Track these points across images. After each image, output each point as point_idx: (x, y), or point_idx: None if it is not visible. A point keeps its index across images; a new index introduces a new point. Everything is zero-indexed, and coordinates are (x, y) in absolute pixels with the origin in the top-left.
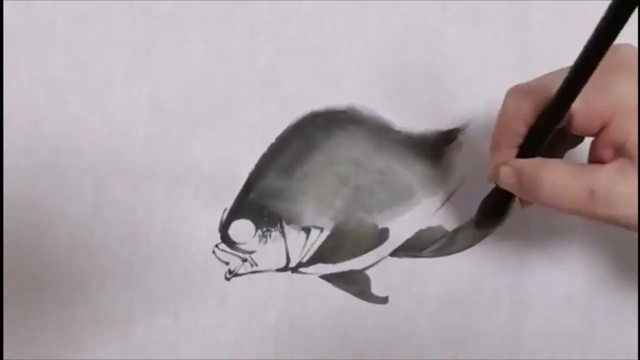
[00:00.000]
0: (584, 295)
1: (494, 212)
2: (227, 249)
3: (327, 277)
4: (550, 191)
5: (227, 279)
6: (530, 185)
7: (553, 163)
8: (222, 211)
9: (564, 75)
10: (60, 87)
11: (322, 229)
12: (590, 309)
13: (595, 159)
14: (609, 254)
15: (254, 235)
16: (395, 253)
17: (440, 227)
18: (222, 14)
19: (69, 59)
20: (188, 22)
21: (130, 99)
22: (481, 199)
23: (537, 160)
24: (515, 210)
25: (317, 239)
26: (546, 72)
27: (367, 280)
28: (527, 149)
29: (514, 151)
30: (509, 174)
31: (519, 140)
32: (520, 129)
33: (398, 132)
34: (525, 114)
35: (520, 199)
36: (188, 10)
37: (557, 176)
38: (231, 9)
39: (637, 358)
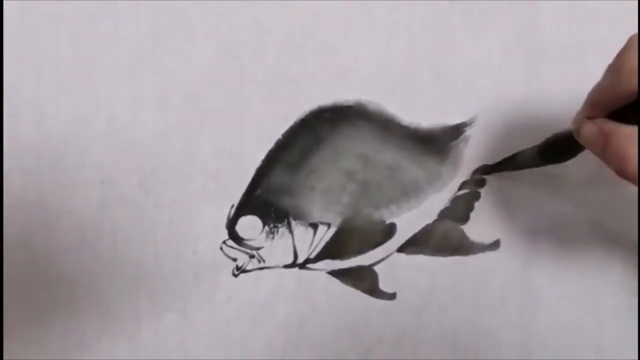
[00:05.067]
0: (593, 292)
1: (566, 147)
2: (235, 246)
3: (335, 274)
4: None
5: (235, 276)
6: (616, 156)
7: None
8: (229, 207)
9: None
10: (66, 84)
11: (329, 225)
12: (599, 306)
13: None
14: (619, 249)
15: (262, 232)
16: (402, 249)
17: (448, 222)
18: (229, 10)
19: (76, 56)
20: (195, 19)
21: (137, 96)
22: None
23: (628, 131)
24: (522, 208)
25: (325, 234)
26: (554, 66)
27: (374, 277)
28: (625, 112)
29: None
30: (592, 134)
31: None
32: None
33: (405, 127)
34: None
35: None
36: (195, 6)
37: None
38: (237, 4)
39: (637, 358)
